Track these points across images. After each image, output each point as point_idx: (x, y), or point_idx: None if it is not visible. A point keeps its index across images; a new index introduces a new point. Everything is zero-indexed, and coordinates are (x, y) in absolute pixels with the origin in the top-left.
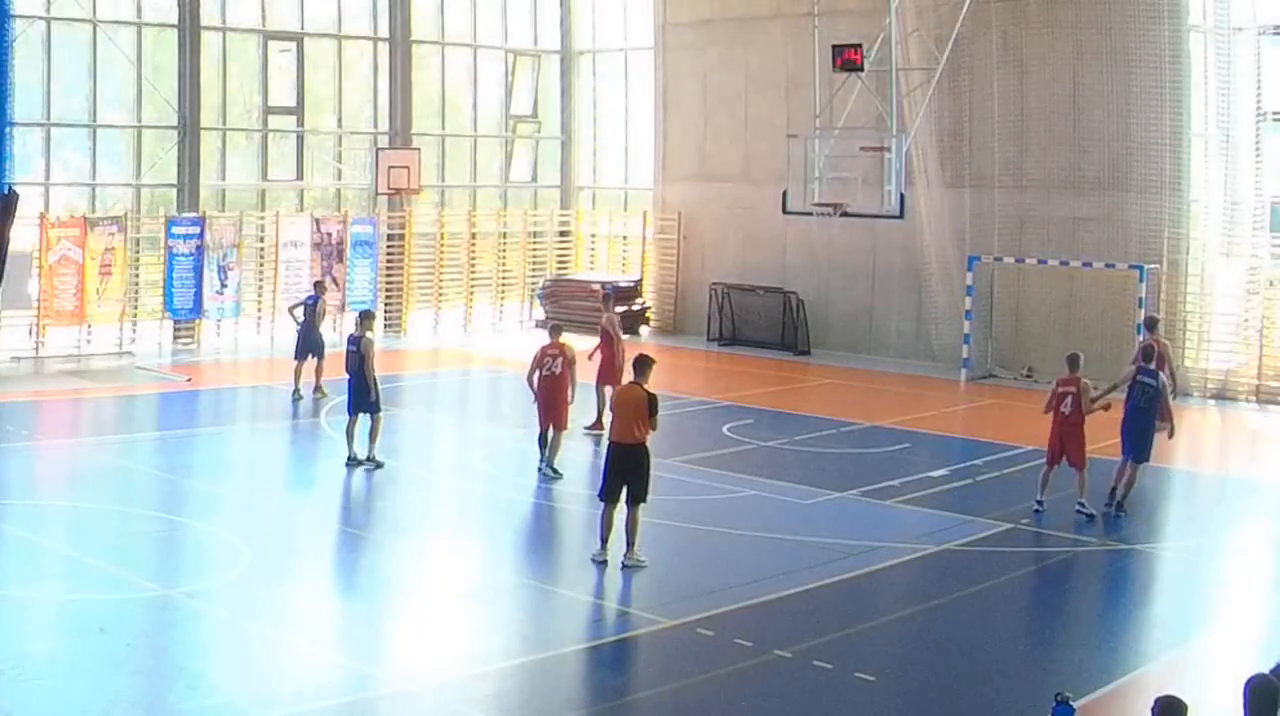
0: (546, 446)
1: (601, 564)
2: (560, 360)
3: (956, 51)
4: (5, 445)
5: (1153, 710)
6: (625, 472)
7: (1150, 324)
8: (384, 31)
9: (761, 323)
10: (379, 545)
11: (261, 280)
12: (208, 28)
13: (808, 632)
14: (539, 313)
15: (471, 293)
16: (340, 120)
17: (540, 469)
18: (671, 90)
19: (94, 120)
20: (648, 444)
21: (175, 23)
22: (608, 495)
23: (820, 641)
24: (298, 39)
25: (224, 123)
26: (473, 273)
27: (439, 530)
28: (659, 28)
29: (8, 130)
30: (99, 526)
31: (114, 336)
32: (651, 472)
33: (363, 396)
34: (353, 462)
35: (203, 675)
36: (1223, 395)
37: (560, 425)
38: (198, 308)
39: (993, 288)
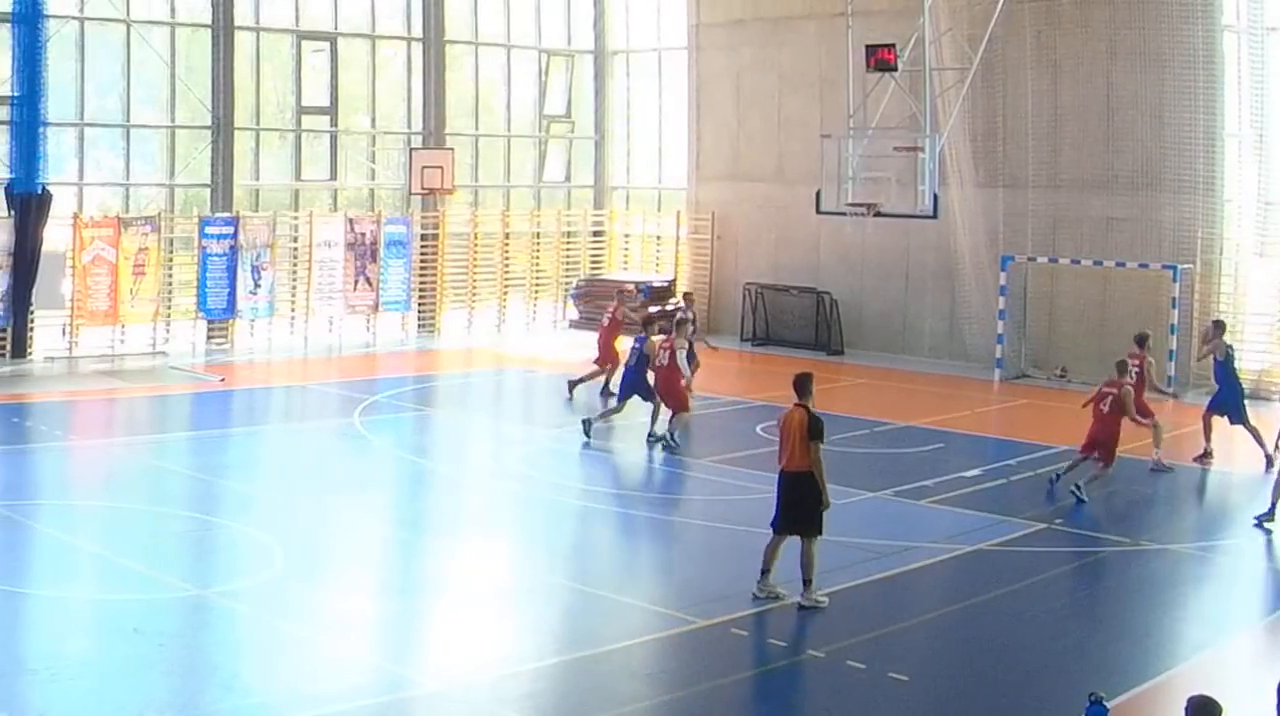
0: (667, 424)
1: (761, 599)
2: (668, 353)
3: (990, 51)
4: (39, 445)
5: (1186, 709)
6: (794, 502)
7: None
8: (417, 31)
9: (795, 322)
10: (412, 545)
11: (295, 280)
12: (241, 28)
13: (841, 633)
14: (572, 313)
15: (505, 292)
16: (374, 120)
17: (667, 444)
18: (705, 90)
19: (128, 120)
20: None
21: (209, 23)
22: (776, 524)
23: (854, 641)
24: (331, 39)
25: (258, 123)
26: (506, 273)
27: (472, 530)
28: (692, 28)
29: (42, 130)
30: (132, 526)
31: (147, 336)
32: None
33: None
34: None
35: (236, 675)
36: (1256, 394)
37: (681, 408)
38: (231, 308)
39: (1026, 288)
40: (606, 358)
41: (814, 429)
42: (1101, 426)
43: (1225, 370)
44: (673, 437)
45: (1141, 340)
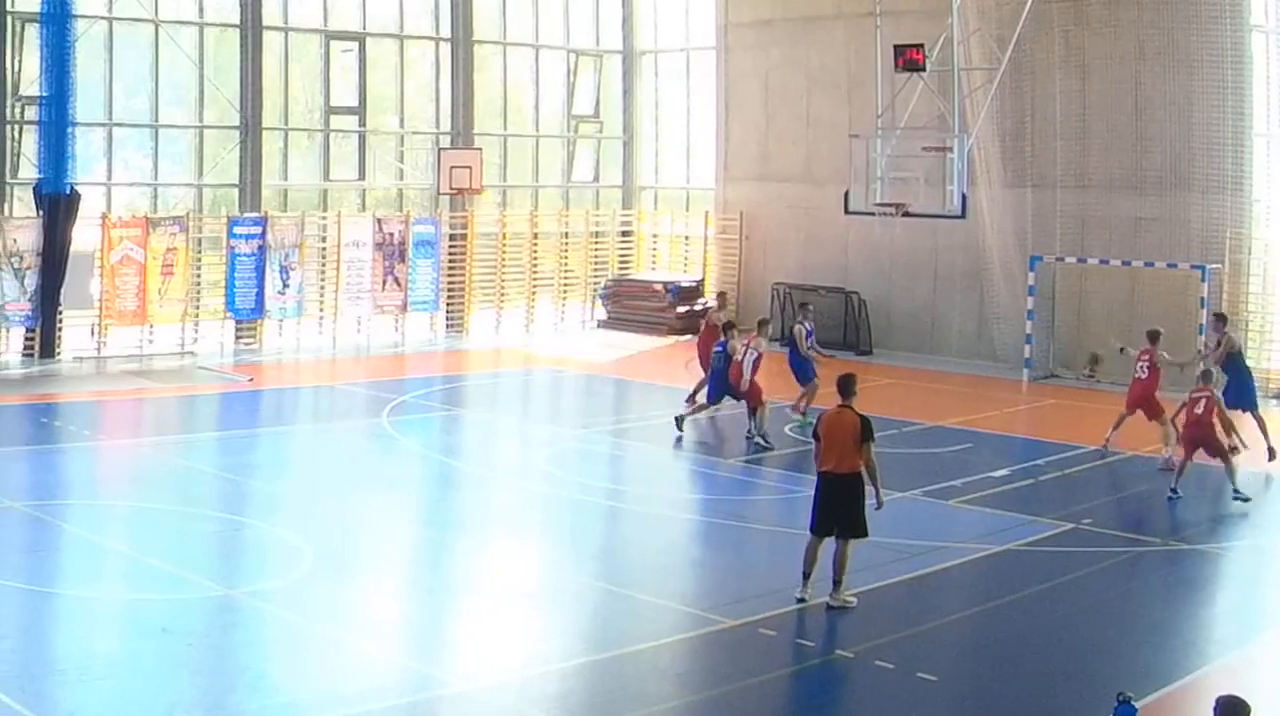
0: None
1: (801, 601)
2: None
3: (1018, 51)
4: (67, 445)
5: (1215, 709)
6: (837, 505)
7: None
8: (446, 31)
9: (823, 323)
10: (441, 545)
11: (323, 280)
12: (270, 28)
13: (870, 633)
14: (601, 313)
15: (533, 293)
16: (402, 120)
17: (750, 438)
18: (733, 90)
19: (156, 120)
20: (861, 473)
21: (237, 23)
22: (816, 527)
23: (882, 641)
24: (360, 39)
25: (286, 123)
26: (535, 273)
27: (501, 530)
28: (720, 28)
29: (70, 130)
30: (161, 526)
31: (176, 336)
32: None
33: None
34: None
35: (265, 675)
36: None
37: (759, 401)
38: (260, 307)
39: (1055, 288)
40: (754, 395)
41: (868, 431)
42: (1200, 430)
43: (1237, 362)
44: (763, 434)
45: (1154, 336)
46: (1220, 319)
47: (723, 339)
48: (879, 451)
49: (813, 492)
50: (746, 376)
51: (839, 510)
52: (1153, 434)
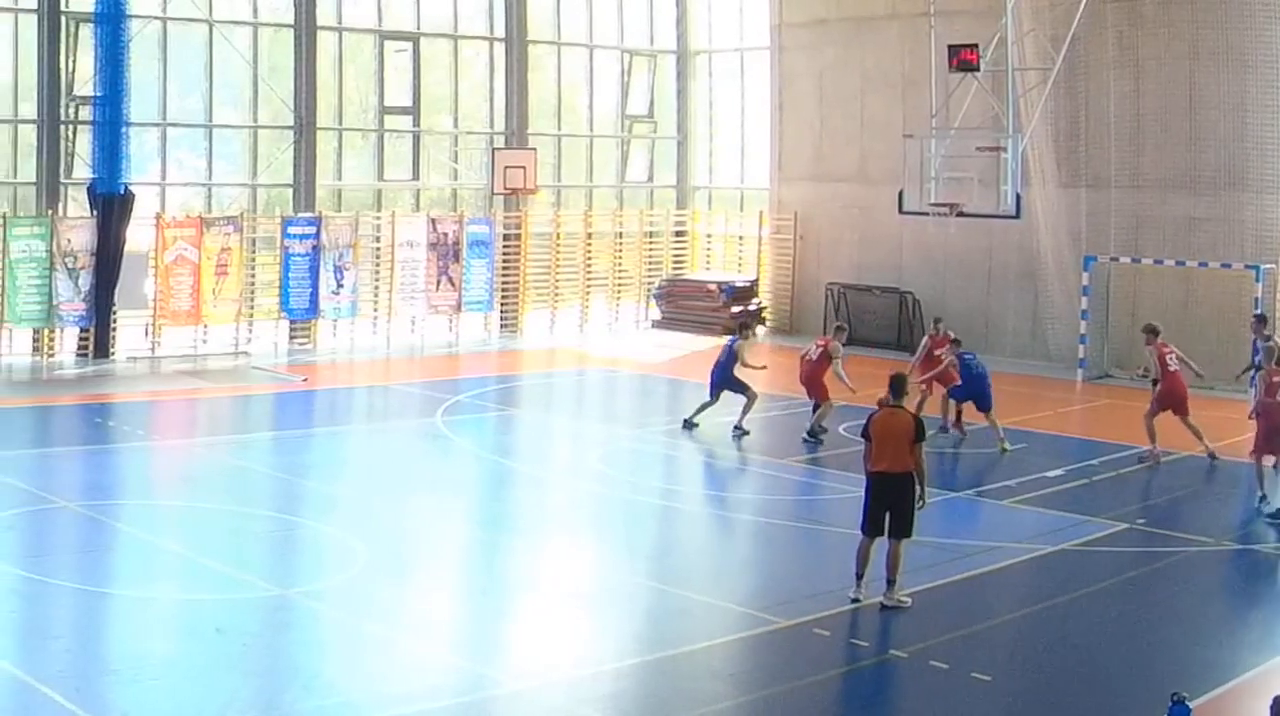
0: (812, 416)
1: (855, 601)
2: (820, 350)
3: (1072, 51)
4: (122, 445)
5: (1271, 709)
6: (890, 504)
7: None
8: (500, 31)
9: (877, 322)
10: (494, 545)
11: (378, 280)
12: (324, 28)
13: (924, 633)
14: (654, 313)
15: (587, 292)
16: (456, 120)
17: (813, 434)
18: (787, 90)
19: (210, 120)
20: (912, 473)
21: (291, 23)
22: (869, 528)
23: (937, 641)
24: (414, 39)
25: (340, 123)
26: (588, 272)
27: (555, 530)
28: (774, 28)
29: (124, 130)
30: (215, 527)
31: (230, 336)
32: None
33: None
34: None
35: (318, 675)
36: None
37: (824, 398)
38: (314, 308)
39: (1109, 288)
40: (820, 393)
41: (920, 431)
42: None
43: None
44: (819, 427)
45: (1153, 331)
46: (1261, 321)
47: (735, 336)
48: (931, 451)
49: (863, 492)
50: (845, 380)
51: (891, 510)
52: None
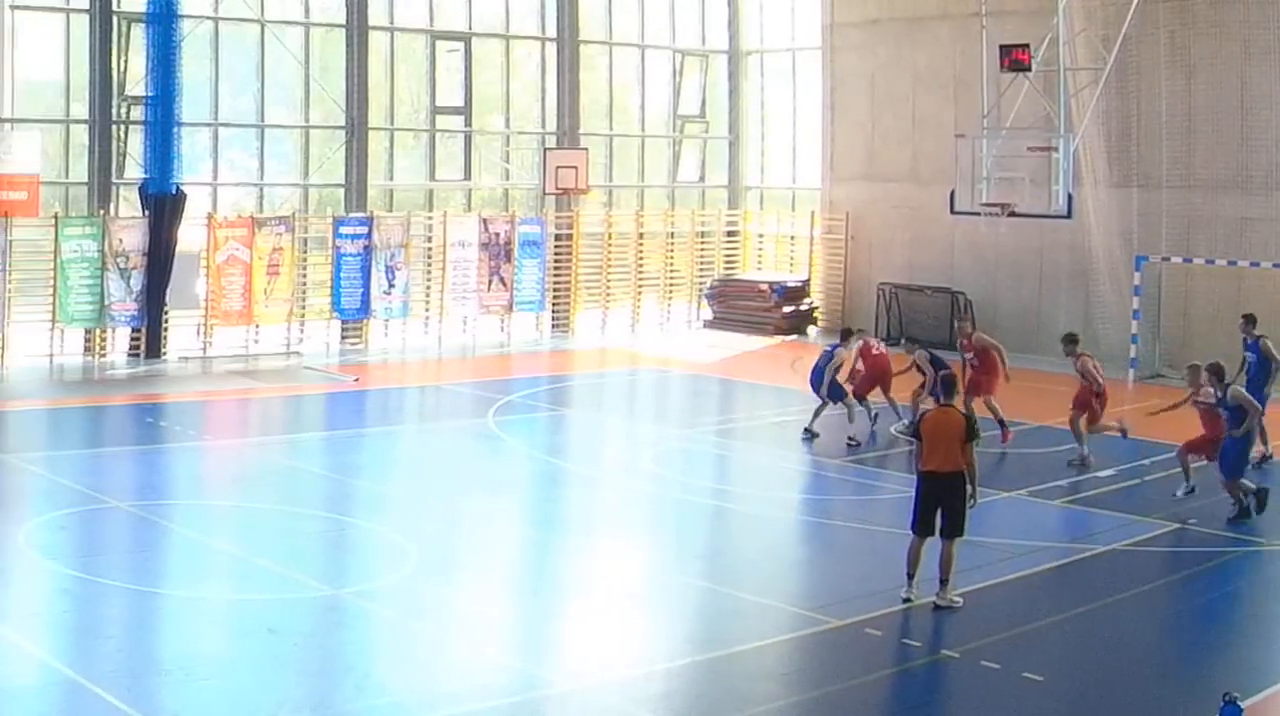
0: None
1: (906, 601)
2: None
3: (1124, 51)
4: (173, 445)
5: None
6: (940, 504)
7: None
8: (551, 31)
9: (929, 322)
10: (546, 545)
11: (429, 280)
12: (375, 28)
13: (975, 633)
14: (706, 313)
15: (639, 292)
16: (508, 120)
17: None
18: (839, 90)
19: (262, 120)
20: (964, 473)
21: (343, 23)
22: (920, 527)
23: (988, 641)
24: (465, 39)
25: (392, 123)
26: (640, 272)
27: (606, 530)
28: (826, 28)
29: (176, 131)
30: (267, 526)
31: (281, 336)
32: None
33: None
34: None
35: (370, 675)
36: None
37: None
38: (365, 308)
39: (1160, 288)
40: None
41: (973, 430)
42: None
43: (1267, 367)
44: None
45: (1071, 340)
46: (1250, 321)
47: (836, 343)
48: (981, 451)
49: (914, 492)
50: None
51: (942, 510)
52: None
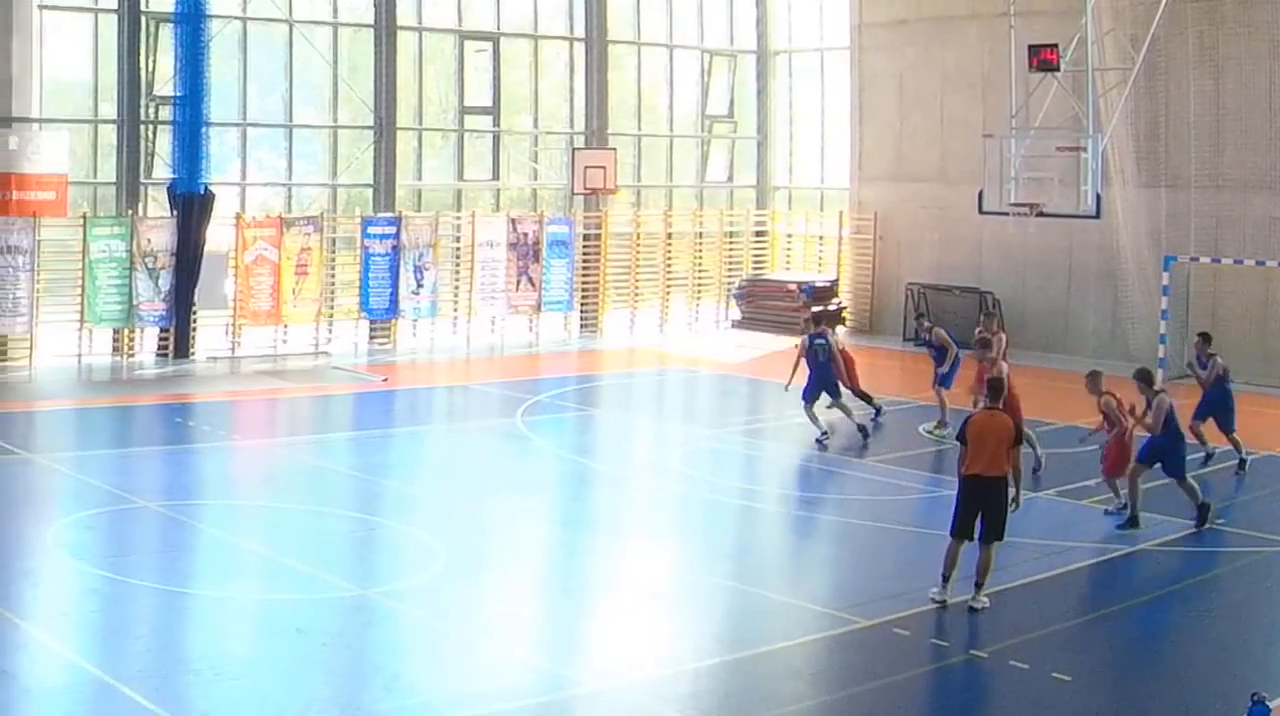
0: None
1: (940, 605)
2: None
3: (1152, 51)
4: (202, 445)
5: None
6: (982, 508)
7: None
8: (580, 31)
9: (957, 322)
10: (574, 545)
11: (458, 280)
12: (404, 28)
13: (1004, 633)
14: (735, 313)
15: (667, 292)
16: (536, 120)
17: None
18: (867, 90)
19: (290, 120)
20: (1007, 476)
21: (371, 23)
22: (960, 531)
23: (1016, 641)
24: (494, 39)
25: (420, 123)
26: (668, 272)
27: (634, 530)
28: (855, 28)
29: (204, 130)
30: (295, 526)
31: (310, 336)
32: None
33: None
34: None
35: (399, 675)
36: None
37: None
38: (394, 307)
39: (1189, 288)
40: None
41: (1019, 434)
42: None
43: (1223, 385)
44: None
45: (984, 343)
46: (1205, 339)
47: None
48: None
49: (955, 495)
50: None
51: (984, 513)
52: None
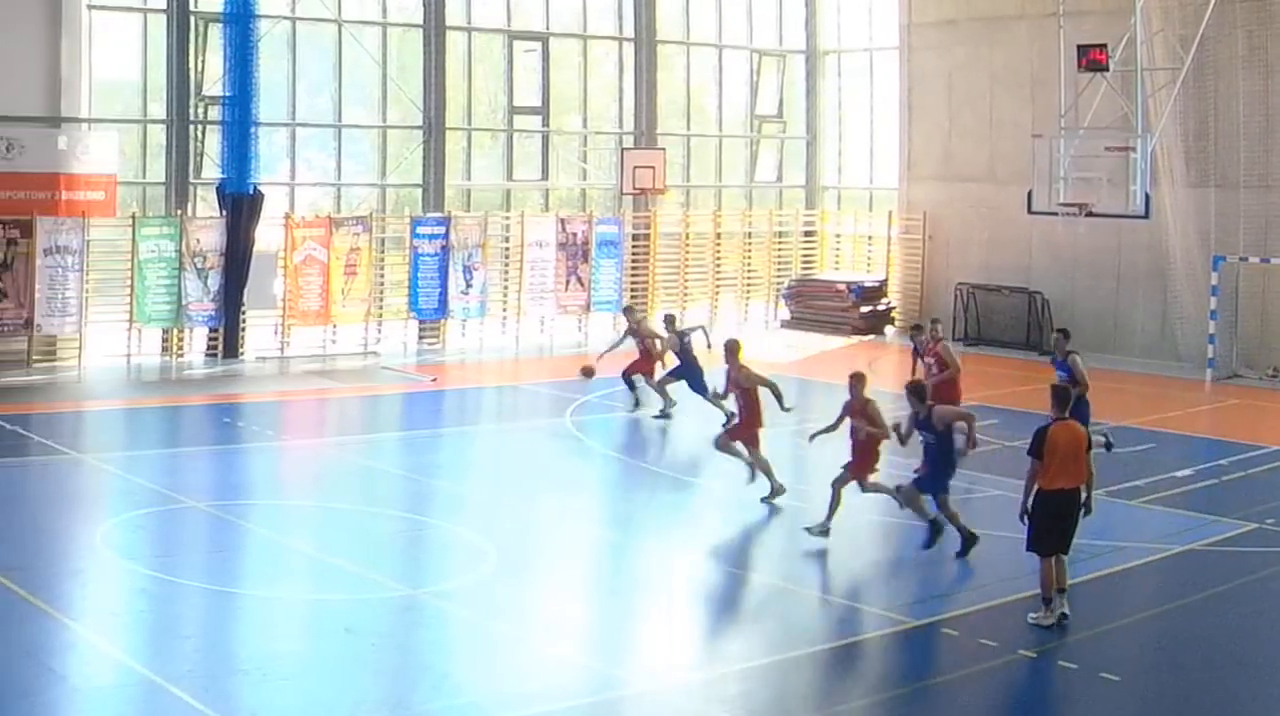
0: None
1: (1048, 628)
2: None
3: (1201, 51)
4: (251, 445)
5: None
6: (1068, 521)
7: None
8: (629, 31)
9: (1006, 322)
10: (623, 545)
11: (507, 280)
12: (453, 28)
13: (1052, 633)
14: (784, 313)
15: (716, 292)
16: (585, 120)
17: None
18: (917, 90)
19: (339, 120)
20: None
21: (420, 23)
22: (1048, 547)
23: (1065, 641)
24: (543, 39)
25: (469, 123)
26: (718, 273)
27: (683, 530)
28: (904, 27)
29: (253, 131)
30: (344, 526)
31: (359, 336)
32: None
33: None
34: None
35: (447, 675)
36: None
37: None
38: (443, 307)
39: (1238, 288)
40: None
41: (1090, 440)
42: None
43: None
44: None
45: (917, 328)
46: (1064, 335)
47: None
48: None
49: (1032, 512)
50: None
51: (1068, 526)
52: None
